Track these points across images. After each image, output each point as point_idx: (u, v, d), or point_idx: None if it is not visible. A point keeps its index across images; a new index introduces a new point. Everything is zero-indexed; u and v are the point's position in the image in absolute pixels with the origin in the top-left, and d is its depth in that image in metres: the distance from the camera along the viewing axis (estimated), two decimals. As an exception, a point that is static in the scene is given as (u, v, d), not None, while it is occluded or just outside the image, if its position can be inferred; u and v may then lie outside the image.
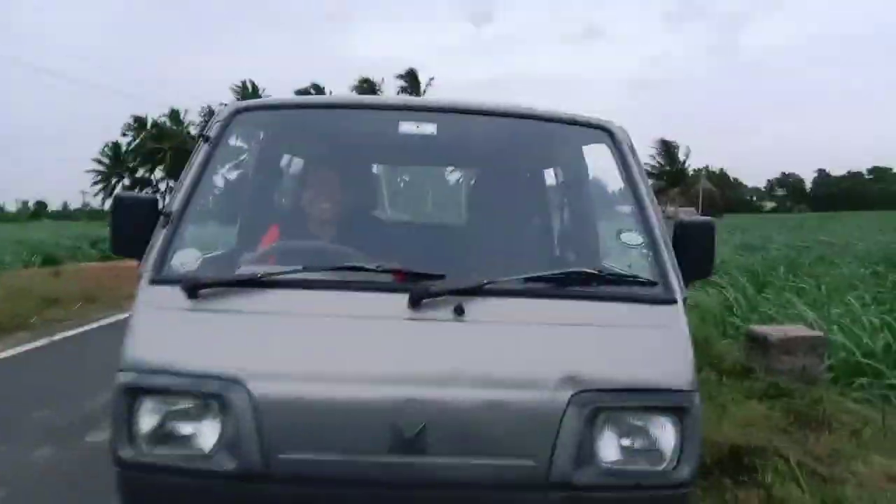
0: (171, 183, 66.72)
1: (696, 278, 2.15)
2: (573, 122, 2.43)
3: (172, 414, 1.83)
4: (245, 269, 2.11)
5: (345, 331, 1.85)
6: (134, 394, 1.82)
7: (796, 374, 5.14)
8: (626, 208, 2.23)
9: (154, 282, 1.94)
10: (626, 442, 1.86)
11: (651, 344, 1.91)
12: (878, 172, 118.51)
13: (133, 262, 2.12)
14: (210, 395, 1.79)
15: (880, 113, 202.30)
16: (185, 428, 1.83)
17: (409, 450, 1.76)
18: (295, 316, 1.88)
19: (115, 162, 69.99)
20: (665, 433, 1.86)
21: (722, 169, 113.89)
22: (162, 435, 1.82)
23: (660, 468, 1.85)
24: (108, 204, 72.90)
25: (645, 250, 2.12)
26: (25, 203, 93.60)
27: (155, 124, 66.94)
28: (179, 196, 2.12)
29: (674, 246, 2.12)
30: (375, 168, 2.82)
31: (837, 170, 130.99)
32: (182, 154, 63.78)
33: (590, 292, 1.96)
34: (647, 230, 2.12)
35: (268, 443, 1.77)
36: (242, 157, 2.63)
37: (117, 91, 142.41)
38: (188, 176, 2.17)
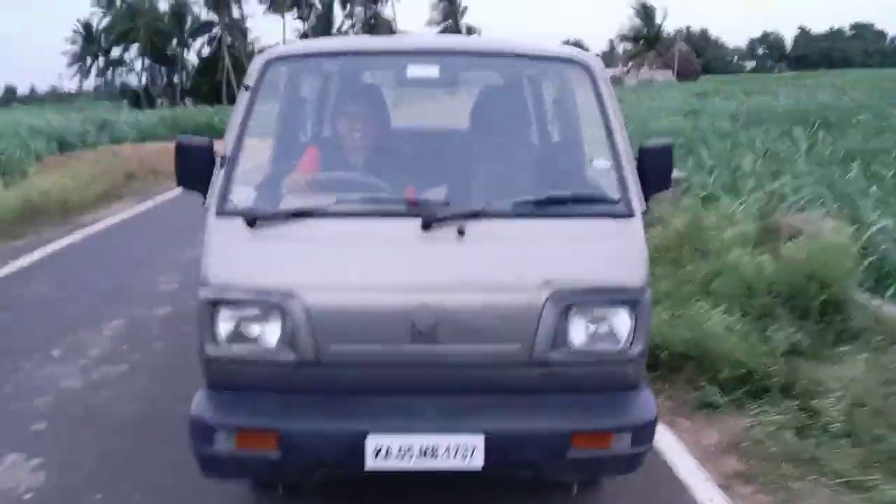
0: (146, 62, 65.94)
1: (657, 192, 2.49)
2: (557, 58, 2.79)
3: (244, 320, 2.22)
4: (291, 200, 2.45)
5: (372, 250, 2.23)
6: (213, 305, 2.21)
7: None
8: (599, 134, 2.52)
9: (219, 215, 2.30)
10: (591, 329, 2.24)
11: (612, 251, 2.27)
12: (860, 29, 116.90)
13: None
14: (272, 304, 2.19)
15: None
16: (254, 330, 2.22)
17: (425, 340, 2.18)
18: (334, 239, 2.26)
19: (88, 42, 68.50)
20: (621, 321, 2.24)
21: (704, 29, 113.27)
22: (237, 335, 2.23)
23: (617, 348, 2.24)
24: (85, 86, 72.60)
25: (612, 173, 2.42)
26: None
27: (125, 2, 65.09)
28: (231, 140, 2.44)
29: (638, 166, 2.44)
30: (393, 98, 3.26)
31: (819, 27, 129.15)
32: (156, 33, 62.25)
33: (565, 211, 2.32)
34: (614, 155, 2.42)
35: (318, 339, 2.18)
36: (278, 99, 3.03)
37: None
38: (235, 122, 2.47)
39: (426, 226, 2.20)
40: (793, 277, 4.28)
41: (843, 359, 3.71)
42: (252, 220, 2.24)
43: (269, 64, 2.58)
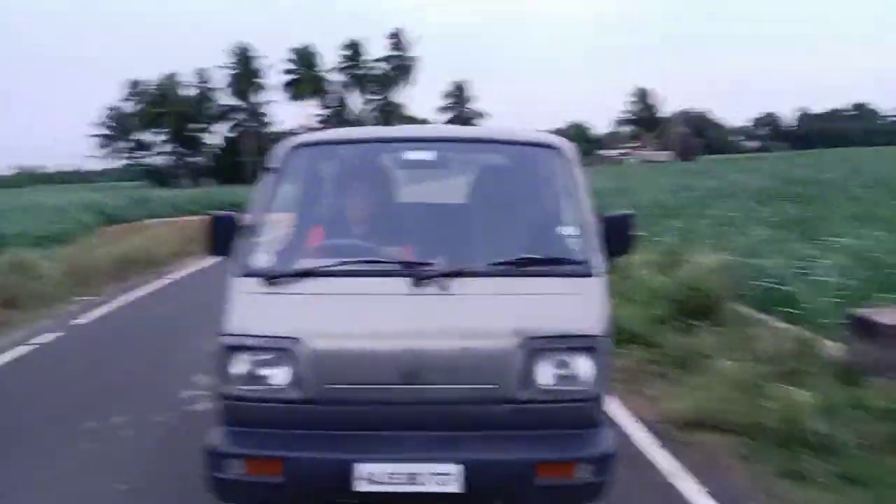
0: (173, 146, 69.75)
1: (620, 255, 2.86)
2: (535, 143, 3.25)
3: (257, 363, 2.58)
4: (303, 263, 2.81)
5: (369, 304, 2.61)
6: (231, 350, 2.57)
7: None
8: (568, 206, 2.95)
9: (242, 275, 2.70)
10: (557, 372, 2.56)
11: (575, 305, 2.62)
12: (860, 109, 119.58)
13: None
14: (282, 349, 2.55)
15: (865, 48, 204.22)
16: (266, 371, 2.58)
17: (412, 380, 2.53)
18: (337, 294, 2.64)
19: (119, 126, 71.76)
20: (583, 365, 2.56)
21: (705, 110, 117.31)
22: (250, 377, 2.58)
23: (579, 388, 2.57)
24: (114, 165, 76.09)
25: (577, 239, 2.80)
26: (18, 170, 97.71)
27: (157, 89, 68.45)
28: (254, 214, 2.85)
29: (605, 233, 2.81)
30: (401, 178, 3.61)
31: (820, 107, 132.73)
32: (183, 117, 66.70)
33: (535, 271, 2.69)
34: (581, 224, 2.81)
35: (321, 379, 2.54)
36: (298, 179, 3.36)
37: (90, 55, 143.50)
38: (260, 197, 2.90)
39: (415, 283, 2.61)
40: (681, 289, 6.45)
41: (701, 334, 5.82)
42: (267, 279, 2.66)
43: (291, 150, 3.11)
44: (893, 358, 4.49)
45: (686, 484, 3.52)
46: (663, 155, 75.19)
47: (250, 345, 2.56)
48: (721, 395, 4.27)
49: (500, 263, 2.70)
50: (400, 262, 2.73)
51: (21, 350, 6.39)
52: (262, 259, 2.79)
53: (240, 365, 2.57)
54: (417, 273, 2.62)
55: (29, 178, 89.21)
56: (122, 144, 72.62)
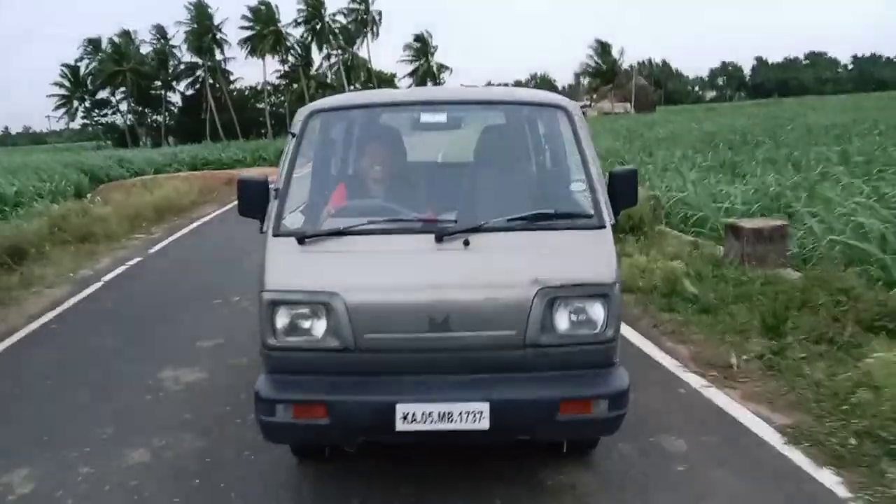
0: (132, 103, 68.11)
1: (625, 208, 3.03)
2: (542, 103, 3.50)
3: (297, 316, 2.77)
4: (331, 223, 2.98)
5: (397, 259, 2.80)
6: (273, 305, 2.76)
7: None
8: (576, 162, 3.09)
9: (276, 235, 2.89)
10: (572, 317, 2.75)
11: (587, 255, 2.79)
12: (814, 58, 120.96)
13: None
14: (319, 303, 2.74)
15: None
16: (305, 324, 2.77)
17: (440, 329, 2.70)
18: (367, 251, 2.82)
19: (74, 86, 69.55)
20: (596, 311, 2.75)
21: (664, 61, 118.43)
22: (291, 328, 2.78)
23: (594, 332, 2.76)
24: (72, 126, 74.80)
25: (586, 193, 2.95)
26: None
27: (112, 44, 66.48)
28: (282, 177, 3.03)
29: (609, 187, 2.98)
30: (407, 141, 3.71)
31: (776, 56, 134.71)
32: (141, 76, 64.97)
33: (549, 224, 2.85)
34: (588, 179, 2.96)
35: (356, 329, 2.72)
36: (318, 144, 3.40)
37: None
38: (285, 162, 3.09)
39: (438, 239, 2.78)
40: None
41: (628, 243, 8.03)
42: (301, 239, 2.84)
43: (310, 115, 3.24)
44: (750, 250, 6.77)
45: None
46: (622, 106, 76.91)
47: (290, 299, 2.77)
48: (631, 273, 6.50)
49: (516, 219, 2.87)
50: (422, 220, 2.92)
51: (121, 268, 8.46)
52: (294, 220, 2.99)
53: (281, 318, 2.78)
54: (439, 230, 2.81)
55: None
56: (80, 104, 71.03)
